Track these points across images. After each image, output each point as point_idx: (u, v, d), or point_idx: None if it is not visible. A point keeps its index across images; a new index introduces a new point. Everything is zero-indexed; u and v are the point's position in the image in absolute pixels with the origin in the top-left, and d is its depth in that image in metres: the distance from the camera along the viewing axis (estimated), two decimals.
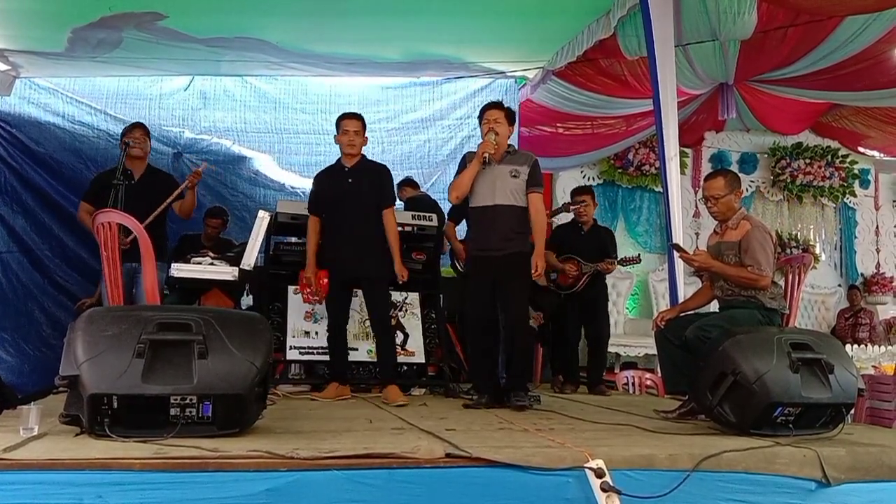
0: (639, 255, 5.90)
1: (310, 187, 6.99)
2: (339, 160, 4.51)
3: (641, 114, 6.92)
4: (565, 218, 5.94)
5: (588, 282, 5.43)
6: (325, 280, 4.39)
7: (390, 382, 4.31)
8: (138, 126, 4.85)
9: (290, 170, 7.00)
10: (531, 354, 4.33)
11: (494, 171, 4.07)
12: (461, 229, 5.41)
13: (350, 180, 4.38)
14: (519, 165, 4.10)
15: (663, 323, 3.88)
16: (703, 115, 7.72)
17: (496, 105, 4.24)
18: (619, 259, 5.59)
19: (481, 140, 4.12)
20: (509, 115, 4.18)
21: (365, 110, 6.98)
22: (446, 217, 5.61)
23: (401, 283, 4.43)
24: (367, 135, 4.50)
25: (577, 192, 5.73)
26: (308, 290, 4.51)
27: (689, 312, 3.98)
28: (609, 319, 5.81)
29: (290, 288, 5.07)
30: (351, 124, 4.39)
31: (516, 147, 4.29)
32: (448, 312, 5.42)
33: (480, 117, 4.19)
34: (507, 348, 4.14)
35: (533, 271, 4.05)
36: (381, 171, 4.53)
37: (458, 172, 4.23)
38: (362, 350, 4.96)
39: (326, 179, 4.52)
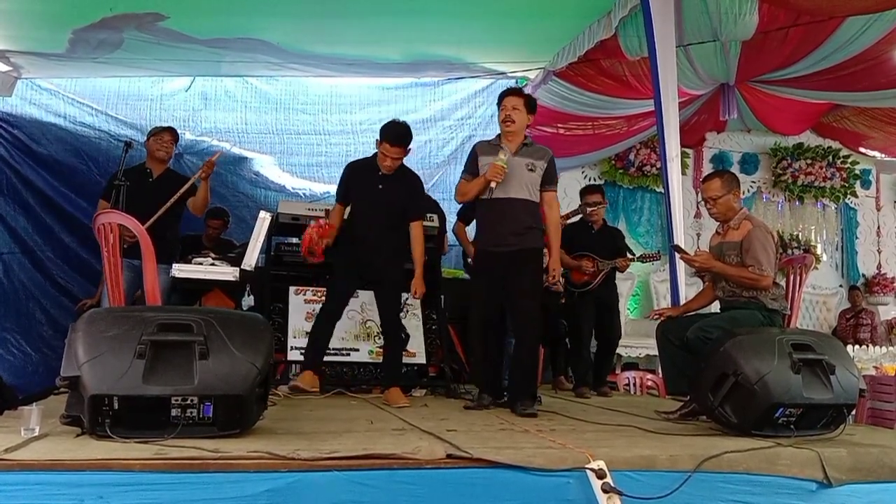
0: (658, 251, 5.87)
1: (310, 188, 6.97)
2: (375, 157, 4.32)
3: (642, 114, 6.93)
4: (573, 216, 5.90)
5: (602, 281, 5.42)
6: (325, 241, 4.19)
7: (393, 385, 4.25)
8: (168, 130, 4.87)
9: (290, 171, 7.01)
10: (538, 358, 4.13)
11: (510, 163, 3.85)
12: (471, 230, 5.40)
13: (381, 186, 4.27)
14: (536, 160, 3.93)
15: (662, 317, 3.92)
16: (704, 115, 7.72)
17: (516, 91, 4.06)
18: (638, 256, 5.58)
19: (499, 129, 3.95)
20: (529, 103, 3.98)
21: (366, 111, 7.05)
22: (456, 217, 5.55)
23: (414, 298, 4.33)
24: (376, 138, 4.33)
25: (588, 190, 5.70)
26: (315, 231, 4.23)
27: (690, 313, 3.98)
28: (620, 321, 5.77)
29: (292, 289, 5.07)
30: (394, 151, 4.18)
31: (531, 138, 4.08)
32: (449, 313, 5.41)
33: (499, 103, 4.00)
34: (515, 350, 3.90)
35: (550, 279, 3.90)
36: (415, 182, 4.44)
37: (468, 162, 4.07)
38: (363, 351, 4.96)
39: (359, 175, 4.35)
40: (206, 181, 4.66)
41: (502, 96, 4.01)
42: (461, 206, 4.75)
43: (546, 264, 4.11)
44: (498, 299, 3.95)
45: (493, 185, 3.84)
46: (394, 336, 4.34)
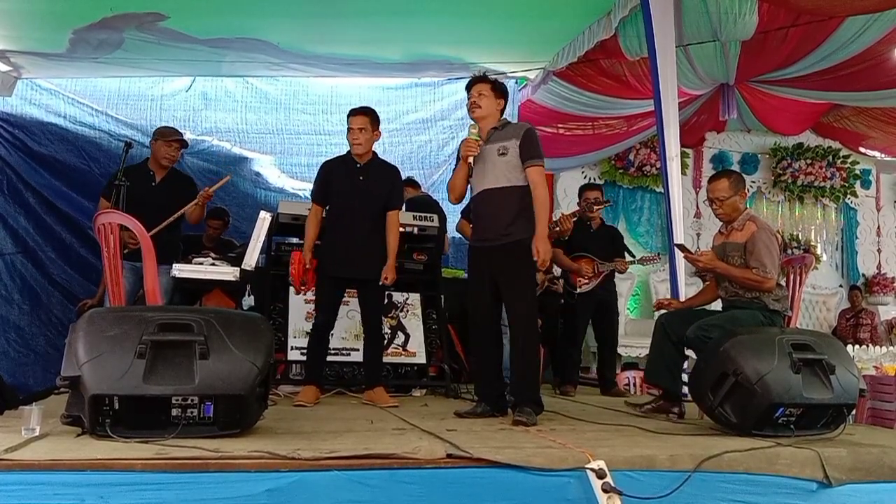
0: (657, 253, 5.87)
1: (310, 188, 7.01)
2: (349, 153, 4.33)
3: (642, 114, 6.93)
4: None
5: (601, 282, 5.41)
6: (312, 271, 4.16)
7: (377, 384, 4.24)
8: (179, 141, 4.76)
9: (291, 171, 7.01)
10: (538, 362, 3.85)
11: (483, 153, 3.67)
12: None
13: (361, 177, 4.23)
14: (507, 140, 3.62)
15: (665, 303, 4.00)
16: (703, 115, 7.72)
17: (480, 78, 3.80)
18: (638, 258, 5.58)
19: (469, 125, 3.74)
20: (496, 88, 3.74)
21: None
22: (460, 215, 5.48)
23: (381, 284, 4.19)
24: (378, 130, 4.34)
25: (589, 187, 5.70)
26: (294, 270, 4.18)
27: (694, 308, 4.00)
28: (619, 322, 5.76)
29: (292, 288, 5.07)
30: (355, 122, 4.22)
31: (508, 120, 3.85)
32: (449, 313, 5.42)
33: (467, 93, 3.80)
34: (511, 353, 3.70)
35: (535, 256, 3.51)
36: (393, 173, 4.41)
37: (457, 161, 3.86)
38: (363, 350, 4.95)
39: (337, 170, 4.31)
40: (201, 206, 4.62)
41: (468, 86, 3.80)
42: (466, 204, 4.58)
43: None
44: (491, 298, 3.69)
45: (470, 160, 3.65)
46: (375, 334, 4.30)
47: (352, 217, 4.21)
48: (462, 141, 3.73)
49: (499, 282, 3.65)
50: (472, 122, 3.71)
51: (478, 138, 3.65)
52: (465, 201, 4.35)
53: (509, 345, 3.75)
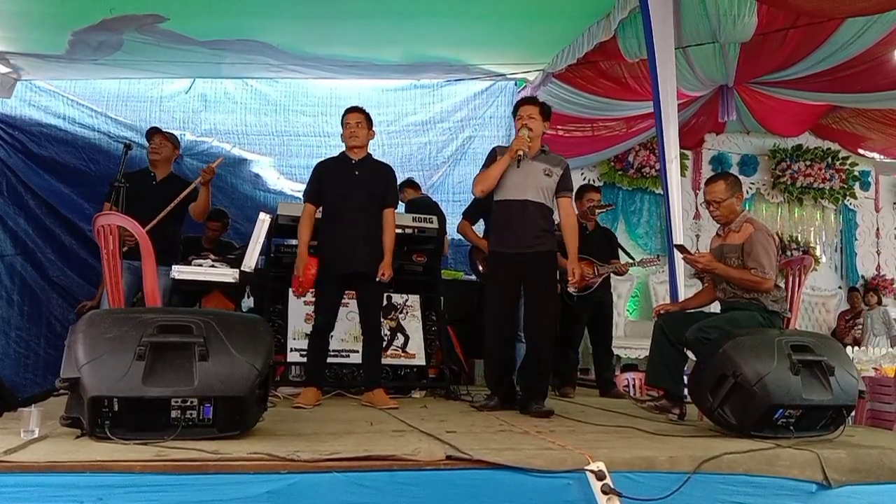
0: (657, 255, 5.86)
1: None
2: (343, 153, 4.36)
3: (642, 116, 6.93)
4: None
5: (600, 284, 5.40)
6: (313, 271, 4.17)
7: (377, 386, 4.24)
8: (155, 133, 4.78)
9: (290, 172, 7.02)
10: (551, 361, 4.11)
11: (527, 167, 3.94)
12: (477, 229, 5.38)
13: (357, 173, 4.25)
14: (553, 166, 4.02)
15: (663, 311, 3.98)
16: (703, 117, 7.72)
17: (531, 100, 4.17)
18: (638, 261, 5.58)
19: (515, 136, 4.01)
20: (544, 111, 4.07)
21: None
22: (462, 216, 5.46)
23: (378, 280, 4.18)
24: (373, 129, 4.39)
25: (591, 189, 5.70)
26: (312, 275, 4.21)
27: (690, 310, 3.99)
28: (612, 324, 5.76)
29: (291, 290, 5.07)
30: (352, 117, 4.31)
31: (548, 148, 4.15)
32: (448, 314, 5.41)
33: (515, 112, 4.11)
34: (530, 353, 3.94)
35: (570, 279, 3.94)
36: (388, 171, 4.42)
37: (486, 165, 4.07)
38: (362, 352, 4.94)
39: (332, 169, 4.32)
40: (206, 186, 4.59)
41: (517, 106, 4.09)
42: (468, 205, 4.66)
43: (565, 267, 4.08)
44: (514, 302, 3.98)
45: (520, 153, 3.87)
46: (374, 335, 4.30)
47: (350, 213, 4.21)
48: (515, 139, 3.97)
49: (529, 287, 3.94)
50: (525, 128, 3.95)
51: (528, 138, 3.91)
52: (467, 202, 4.39)
53: (525, 345, 4.00)
